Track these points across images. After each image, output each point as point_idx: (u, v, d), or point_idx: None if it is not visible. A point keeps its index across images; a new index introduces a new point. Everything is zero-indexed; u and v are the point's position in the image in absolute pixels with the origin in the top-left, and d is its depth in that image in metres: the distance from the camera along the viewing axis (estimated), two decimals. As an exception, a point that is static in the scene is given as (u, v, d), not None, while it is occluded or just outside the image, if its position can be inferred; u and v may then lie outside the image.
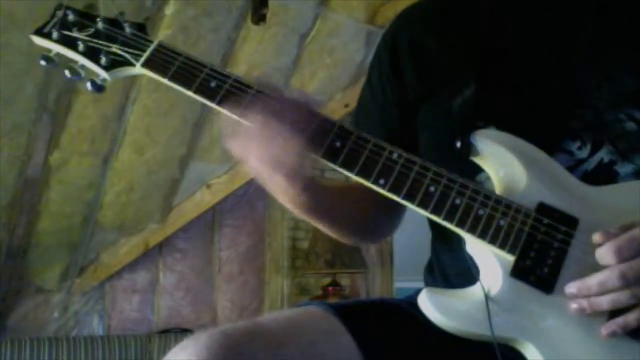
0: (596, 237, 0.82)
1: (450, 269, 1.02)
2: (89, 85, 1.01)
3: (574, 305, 0.81)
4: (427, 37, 1.08)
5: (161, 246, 3.63)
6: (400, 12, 1.16)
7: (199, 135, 3.32)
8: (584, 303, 0.80)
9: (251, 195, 3.90)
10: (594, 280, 0.79)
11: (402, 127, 1.07)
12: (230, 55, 3.12)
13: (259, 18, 2.81)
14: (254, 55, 3.17)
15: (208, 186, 3.58)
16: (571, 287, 0.81)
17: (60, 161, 3.02)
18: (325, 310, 0.94)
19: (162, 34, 2.82)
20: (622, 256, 0.78)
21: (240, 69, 3.18)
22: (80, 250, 3.33)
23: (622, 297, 0.78)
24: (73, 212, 3.22)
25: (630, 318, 0.79)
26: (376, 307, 1.02)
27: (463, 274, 0.89)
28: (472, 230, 0.85)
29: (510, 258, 0.84)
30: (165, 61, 0.96)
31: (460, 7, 1.09)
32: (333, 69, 3.49)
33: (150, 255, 3.59)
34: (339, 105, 3.67)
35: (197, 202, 3.58)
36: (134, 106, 3.01)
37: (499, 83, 0.99)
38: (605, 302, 0.79)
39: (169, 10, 2.78)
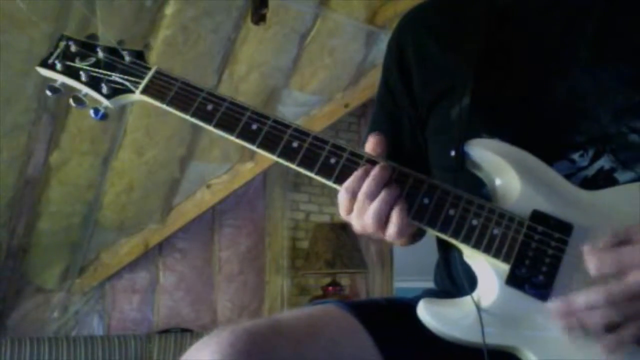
0: (586, 252, 0.81)
1: (455, 270, 1.02)
2: (92, 113, 1.06)
3: (562, 323, 0.80)
4: (430, 43, 1.07)
5: (161, 246, 3.64)
6: (403, 15, 1.15)
7: (199, 135, 3.31)
8: (573, 322, 0.79)
9: (251, 195, 3.90)
10: (581, 300, 0.79)
11: (413, 139, 1.08)
12: (230, 55, 3.12)
13: (259, 18, 2.80)
14: (254, 55, 3.16)
15: (208, 186, 3.58)
16: (557, 306, 0.80)
17: (60, 161, 3.02)
18: (343, 309, 0.94)
19: (162, 34, 2.82)
20: (606, 272, 0.78)
21: (240, 69, 3.18)
22: (80, 250, 3.33)
23: (611, 315, 0.78)
24: (73, 212, 3.23)
25: (624, 335, 0.78)
26: (391, 307, 1.02)
27: (468, 274, 0.90)
28: (466, 240, 0.86)
29: (505, 267, 0.85)
30: (163, 87, 1.01)
31: (461, 13, 1.08)
32: (333, 69, 3.48)
33: (150, 255, 3.60)
34: (339, 105, 3.67)
35: (197, 202, 3.58)
36: (134, 106, 3.00)
37: (500, 93, 0.98)
38: (593, 321, 0.78)
39: (169, 10, 2.78)
